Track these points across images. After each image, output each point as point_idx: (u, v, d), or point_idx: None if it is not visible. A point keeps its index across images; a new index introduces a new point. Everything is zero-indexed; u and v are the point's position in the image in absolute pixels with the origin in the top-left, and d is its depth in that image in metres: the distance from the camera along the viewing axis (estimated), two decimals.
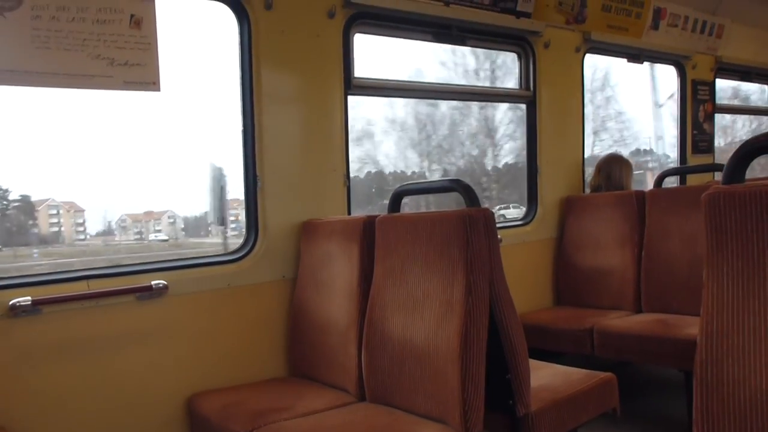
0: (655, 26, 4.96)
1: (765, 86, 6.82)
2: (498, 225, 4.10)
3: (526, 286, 4.18)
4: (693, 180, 5.26)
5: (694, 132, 5.66)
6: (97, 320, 2.62)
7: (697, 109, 5.65)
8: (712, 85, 5.81)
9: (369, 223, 2.70)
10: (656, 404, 3.88)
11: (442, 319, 2.26)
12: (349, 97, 3.34)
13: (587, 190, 4.61)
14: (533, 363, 2.49)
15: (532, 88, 4.24)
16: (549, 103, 4.29)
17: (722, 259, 1.42)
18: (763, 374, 1.33)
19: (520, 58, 4.26)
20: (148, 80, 2.77)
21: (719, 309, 1.42)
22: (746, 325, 1.37)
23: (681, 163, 5.66)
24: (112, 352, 2.66)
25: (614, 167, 4.41)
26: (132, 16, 2.72)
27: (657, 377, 4.30)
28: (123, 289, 2.67)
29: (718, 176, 4.55)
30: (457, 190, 2.39)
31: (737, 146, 1.49)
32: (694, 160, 5.64)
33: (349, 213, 3.34)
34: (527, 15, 4.04)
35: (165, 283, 2.75)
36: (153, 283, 2.73)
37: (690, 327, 3.20)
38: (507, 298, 2.29)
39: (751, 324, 1.36)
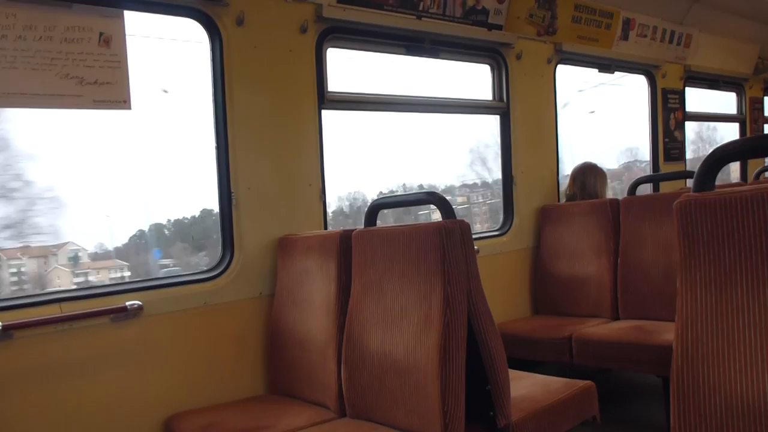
0: (625, 37, 5.03)
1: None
2: (475, 236, 4.12)
3: (505, 296, 4.19)
4: (667, 187, 5.33)
5: (666, 140, 5.74)
6: (71, 344, 2.56)
7: (668, 118, 5.73)
8: (682, 93, 5.91)
9: (345, 237, 2.69)
10: (636, 411, 3.90)
11: (421, 332, 2.25)
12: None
13: (562, 200, 4.64)
14: (513, 373, 2.49)
15: (505, 99, 4.27)
16: (522, 114, 4.33)
17: (695, 267, 1.43)
18: (738, 380, 1.34)
19: (493, 69, 4.29)
20: (119, 99, 2.74)
21: (693, 316, 1.43)
22: (720, 332, 1.38)
23: (654, 171, 5.73)
24: (87, 376, 2.61)
25: (588, 176, 4.46)
26: (101, 34, 2.70)
27: (636, 383, 4.33)
28: (97, 311, 2.62)
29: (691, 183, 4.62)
30: (433, 203, 2.39)
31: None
32: (666, 168, 5.71)
33: (326, 227, 3.33)
34: (499, 27, 4.08)
35: (140, 303, 2.71)
36: (128, 303, 2.68)
37: (666, 333, 3.23)
38: (485, 310, 2.29)
39: (725, 330, 1.37)
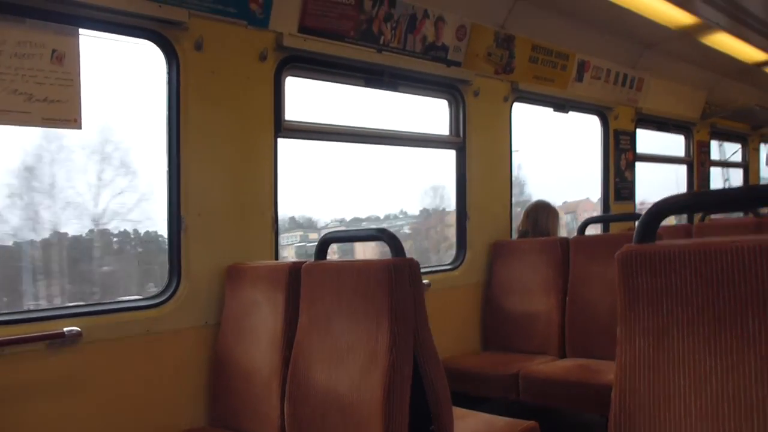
0: (580, 78, 5.17)
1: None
2: (426, 269, 4.14)
3: (454, 330, 4.20)
4: (616, 228, 5.45)
5: (617, 179, 5.88)
6: (2, 370, 2.45)
7: (618, 158, 5.88)
8: (633, 134, 6.07)
9: (295, 270, 2.66)
10: None
11: (366, 370, 2.23)
12: None
13: (515, 235, 4.70)
14: (457, 411, 2.48)
15: (461, 135, 4.32)
16: (478, 150, 4.38)
17: (634, 318, 1.46)
18: (672, 430, 1.36)
19: (450, 105, 4.34)
20: (69, 117, 2.68)
21: (632, 366, 1.45)
22: (656, 382, 1.40)
23: (604, 209, 5.86)
24: (19, 405, 2.49)
25: (541, 214, 4.53)
26: (54, 51, 2.64)
27: (582, 423, 4.36)
28: (32, 336, 2.52)
29: None
30: (383, 239, 2.39)
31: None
32: (616, 206, 5.85)
33: (276, 258, 3.29)
34: (458, 64, 4.14)
35: (78, 329, 2.61)
36: (65, 329, 2.58)
37: (611, 373, 3.24)
38: (431, 349, 2.28)
39: (661, 381, 1.39)
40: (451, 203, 4.51)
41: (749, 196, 1.48)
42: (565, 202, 7.67)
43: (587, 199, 7.34)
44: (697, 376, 1.34)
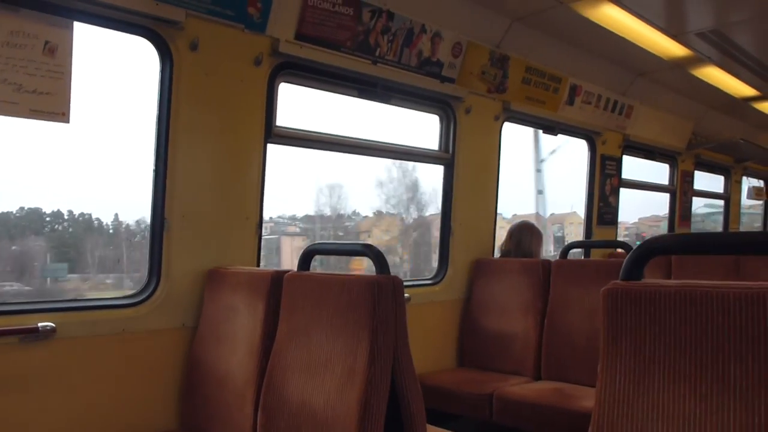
0: (571, 102, 5.20)
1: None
2: (408, 283, 4.14)
3: (431, 345, 4.19)
4: (597, 254, 5.49)
5: (601, 204, 5.93)
6: None
7: (604, 183, 5.93)
8: (620, 160, 6.13)
9: (277, 278, 2.64)
10: None
11: (344, 385, 2.22)
12: None
13: (497, 254, 4.71)
14: (431, 430, 2.47)
15: (450, 151, 4.33)
16: (466, 167, 4.39)
17: (616, 355, 1.46)
18: None
19: (441, 120, 4.35)
20: (57, 110, 2.65)
21: (611, 403, 1.45)
22: (635, 423, 1.40)
23: (586, 233, 5.90)
24: None
25: (525, 234, 4.54)
26: (47, 42, 2.61)
27: None
28: (5, 329, 2.48)
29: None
30: (368, 256, 2.38)
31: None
32: (599, 231, 5.89)
33: (259, 264, 3.27)
34: (451, 80, 4.15)
35: (53, 325, 2.58)
36: (40, 324, 2.54)
37: (585, 399, 3.29)
38: (409, 368, 2.27)
39: (640, 421, 1.40)
40: (349, 204, 4.42)
41: (735, 242, 1.50)
42: (552, 214, 7.77)
43: (574, 212, 7.42)
44: (677, 419, 1.34)
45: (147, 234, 3.02)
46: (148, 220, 3.01)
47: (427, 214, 5.63)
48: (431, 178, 4.52)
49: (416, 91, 4.03)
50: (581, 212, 6.03)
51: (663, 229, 8.02)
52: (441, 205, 4.40)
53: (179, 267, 2.97)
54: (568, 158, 6.07)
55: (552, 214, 7.77)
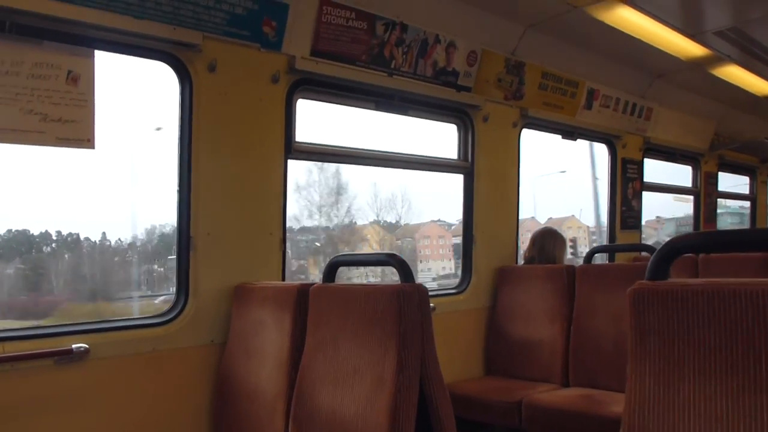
0: (589, 106, 5.19)
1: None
2: (432, 293, 4.13)
3: (458, 354, 4.18)
4: (621, 257, 5.44)
5: (623, 208, 5.88)
6: (12, 385, 2.47)
7: (626, 187, 5.88)
8: (641, 163, 6.08)
9: (303, 291, 2.66)
10: None
11: (373, 394, 2.22)
12: None
13: (521, 261, 4.69)
14: None
15: (470, 159, 4.34)
16: (486, 175, 4.40)
17: (645, 355, 1.45)
18: None
19: (459, 129, 4.37)
20: (83, 137, 2.71)
21: (641, 405, 1.44)
22: (666, 423, 1.39)
23: (610, 238, 5.85)
24: (27, 420, 2.51)
25: (548, 240, 4.53)
26: (69, 72, 2.68)
27: None
28: (41, 352, 2.54)
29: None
30: (393, 265, 2.39)
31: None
32: (622, 236, 5.84)
33: (284, 278, 3.30)
34: (468, 89, 4.17)
35: (86, 346, 2.63)
36: (74, 346, 2.60)
37: (615, 404, 3.25)
38: (437, 375, 2.28)
39: (671, 422, 1.39)
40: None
41: (763, 237, 1.48)
42: (549, 218, 7.71)
43: (572, 216, 7.37)
44: (708, 419, 1.33)
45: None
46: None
47: None
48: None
49: (433, 102, 4.06)
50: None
51: (667, 230, 7.93)
52: (462, 214, 4.40)
53: (207, 284, 3.01)
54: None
55: (549, 218, 7.71)
